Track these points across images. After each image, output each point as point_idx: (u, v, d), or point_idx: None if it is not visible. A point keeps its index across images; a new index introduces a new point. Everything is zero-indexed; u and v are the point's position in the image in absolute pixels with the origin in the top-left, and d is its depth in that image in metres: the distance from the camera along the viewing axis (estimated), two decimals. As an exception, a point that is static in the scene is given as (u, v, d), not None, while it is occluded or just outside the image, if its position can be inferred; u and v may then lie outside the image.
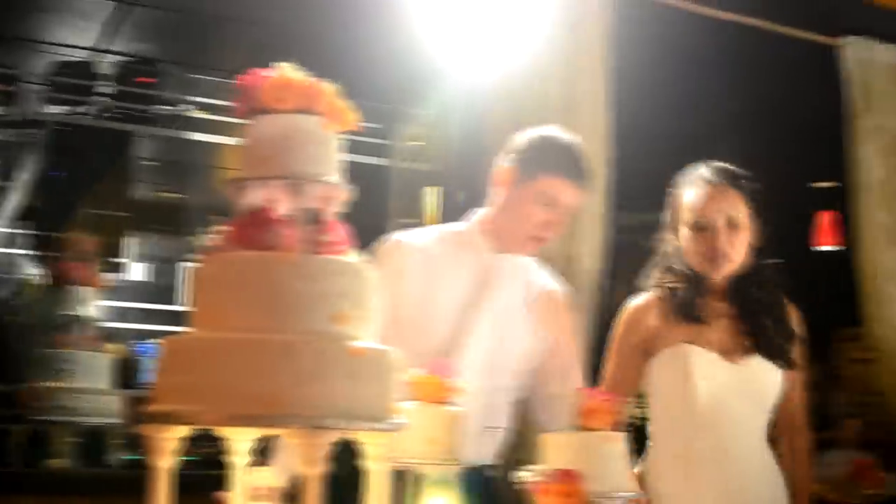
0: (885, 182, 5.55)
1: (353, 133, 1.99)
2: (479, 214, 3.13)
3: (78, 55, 7.13)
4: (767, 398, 2.96)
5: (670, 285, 3.03)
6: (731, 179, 2.99)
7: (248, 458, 1.98)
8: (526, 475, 2.34)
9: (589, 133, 4.51)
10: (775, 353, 2.98)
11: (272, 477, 2.03)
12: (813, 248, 7.50)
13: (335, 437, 1.71)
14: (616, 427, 2.45)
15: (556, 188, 2.95)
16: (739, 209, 2.96)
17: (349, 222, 1.94)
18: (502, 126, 4.35)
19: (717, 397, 2.92)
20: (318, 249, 1.83)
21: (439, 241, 3.08)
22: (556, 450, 2.42)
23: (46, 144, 7.61)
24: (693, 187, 3.00)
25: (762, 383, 2.96)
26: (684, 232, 3.00)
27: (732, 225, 2.96)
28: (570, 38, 4.55)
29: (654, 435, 3.04)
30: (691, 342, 2.97)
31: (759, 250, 3.01)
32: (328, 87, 1.92)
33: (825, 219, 7.53)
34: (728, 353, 2.96)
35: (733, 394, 2.93)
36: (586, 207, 4.42)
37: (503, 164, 3.04)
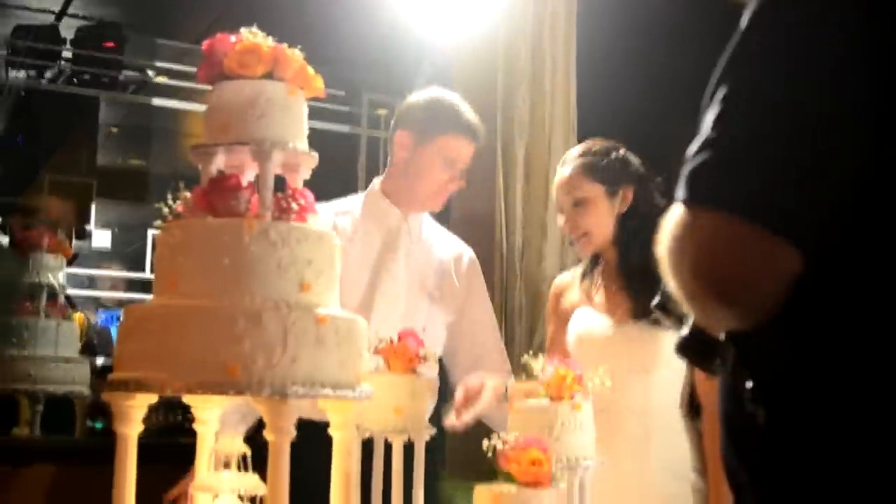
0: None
1: (319, 100, 1.98)
2: (378, 179, 3.22)
3: (41, 19, 7.04)
4: (650, 359, 2.98)
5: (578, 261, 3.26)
6: (578, 160, 3.12)
7: (215, 426, 1.98)
8: (494, 442, 2.35)
9: (555, 101, 4.52)
10: (650, 312, 3.02)
11: (240, 444, 2.03)
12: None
13: (302, 404, 1.71)
14: (582, 396, 2.47)
15: (455, 147, 3.08)
16: (585, 189, 3.06)
17: (316, 190, 1.92)
18: (470, 94, 4.34)
19: (599, 356, 2.96)
20: (283, 216, 1.81)
21: (343, 212, 3.15)
22: (523, 418, 2.43)
23: (8, 109, 7.53)
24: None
25: (641, 344, 2.99)
26: None
27: (578, 204, 3.09)
28: (537, 7, 4.55)
29: None
30: (586, 305, 3.11)
31: (636, 213, 3.08)
32: (294, 54, 1.90)
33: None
34: (613, 315, 3.04)
35: (614, 354, 2.97)
36: (553, 172, 4.44)
37: (401, 128, 3.13)
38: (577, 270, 3.24)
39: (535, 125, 4.47)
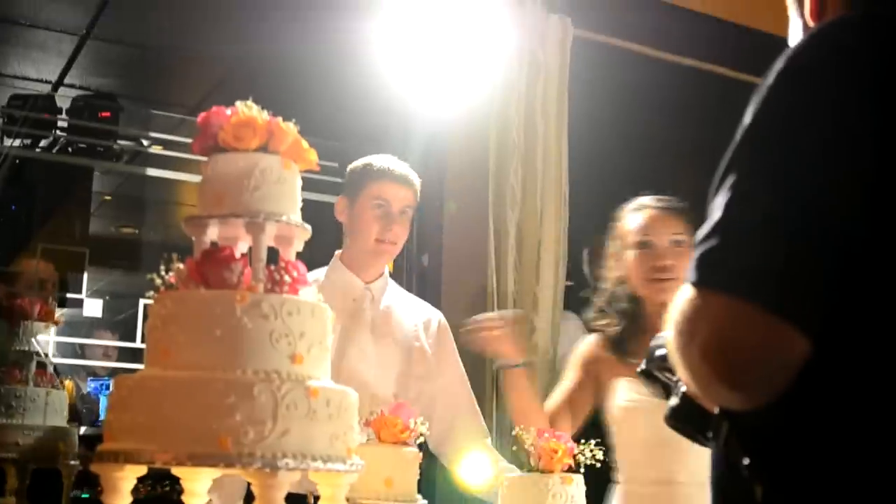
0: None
1: (313, 172, 1.99)
2: (338, 252, 3.28)
3: (37, 88, 7.09)
4: None
5: (607, 325, 3.10)
6: (674, 205, 3.07)
7: (204, 498, 1.96)
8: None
9: (547, 174, 4.55)
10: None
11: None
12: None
13: (292, 477, 1.70)
14: (573, 468, 2.46)
15: (381, 191, 3.15)
16: (683, 232, 3.01)
17: (308, 261, 1.93)
18: (462, 167, 4.38)
19: (652, 429, 2.91)
20: (276, 288, 1.82)
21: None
22: (515, 491, 2.42)
23: (3, 178, 7.55)
24: (638, 212, 3.08)
25: None
26: (629, 255, 3.05)
27: (677, 245, 3.01)
28: (529, 80, 4.59)
29: (618, 473, 3.05)
30: (628, 377, 2.99)
31: None
32: (289, 127, 1.92)
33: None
34: None
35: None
36: (545, 244, 4.45)
37: (339, 197, 3.25)
38: (592, 337, 3.15)
39: (526, 198, 4.50)
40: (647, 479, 2.93)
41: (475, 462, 2.41)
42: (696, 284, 1.26)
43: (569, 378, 3.17)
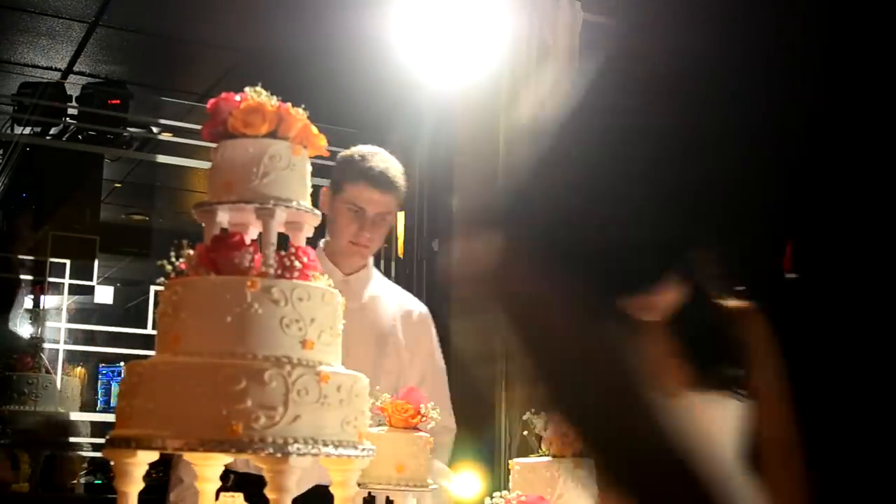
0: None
1: (323, 158, 1.99)
2: (323, 240, 3.21)
3: (47, 76, 7.10)
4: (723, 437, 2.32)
5: None
6: None
7: (216, 483, 1.97)
8: (495, 501, 2.34)
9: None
10: (719, 383, 2.36)
11: (241, 502, 2.02)
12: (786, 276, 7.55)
13: (303, 462, 1.70)
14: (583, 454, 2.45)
15: (359, 194, 3.08)
16: None
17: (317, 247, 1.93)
18: (472, 153, 4.37)
19: None
20: (286, 274, 1.82)
21: None
22: (526, 476, 2.42)
23: (13, 166, 7.56)
24: None
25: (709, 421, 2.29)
26: None
27: None
28: (537, 69, 4.58)
29: None
30: None
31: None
32: (298, 113, 1.92)
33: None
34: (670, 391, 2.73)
35: None
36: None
37: (325, 186, 3.17)
38: None
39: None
40: None
41: (465, 478, 2.39)
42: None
43: None
